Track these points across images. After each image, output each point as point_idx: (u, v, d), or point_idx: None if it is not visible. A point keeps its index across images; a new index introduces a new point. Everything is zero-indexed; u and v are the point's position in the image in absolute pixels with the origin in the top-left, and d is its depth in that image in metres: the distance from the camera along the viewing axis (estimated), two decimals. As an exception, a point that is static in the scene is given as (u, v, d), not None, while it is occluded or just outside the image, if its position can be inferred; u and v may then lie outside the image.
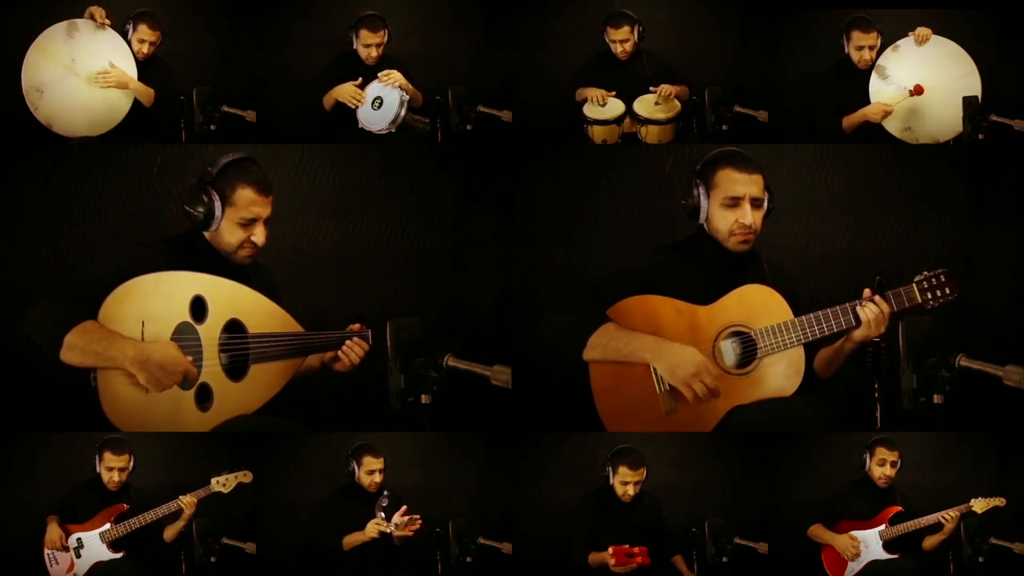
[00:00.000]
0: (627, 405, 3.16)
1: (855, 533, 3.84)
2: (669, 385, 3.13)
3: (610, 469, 3.87)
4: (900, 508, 3.84)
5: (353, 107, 4.12)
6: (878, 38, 4.11)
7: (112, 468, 3.77)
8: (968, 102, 3.91)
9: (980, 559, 3.78)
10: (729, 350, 3.15)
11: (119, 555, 3.73)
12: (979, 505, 3.77)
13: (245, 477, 3.77)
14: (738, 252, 3.21)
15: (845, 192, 4.15)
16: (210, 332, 3.04)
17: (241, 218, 3.08)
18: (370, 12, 4.21)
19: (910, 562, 3.81)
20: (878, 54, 4.11)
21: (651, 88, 4.18)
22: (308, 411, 3.33)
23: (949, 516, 3.78)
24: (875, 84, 4.09)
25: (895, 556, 3.81)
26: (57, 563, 3.73)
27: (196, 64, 4.23)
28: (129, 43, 4.04)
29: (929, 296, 3.09)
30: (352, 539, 3.80)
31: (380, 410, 3.14)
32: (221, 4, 4.30)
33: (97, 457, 3.78)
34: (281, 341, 3.10)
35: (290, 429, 3.27)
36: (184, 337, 3.02)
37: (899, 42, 4.09)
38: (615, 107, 4.18)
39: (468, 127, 4.10)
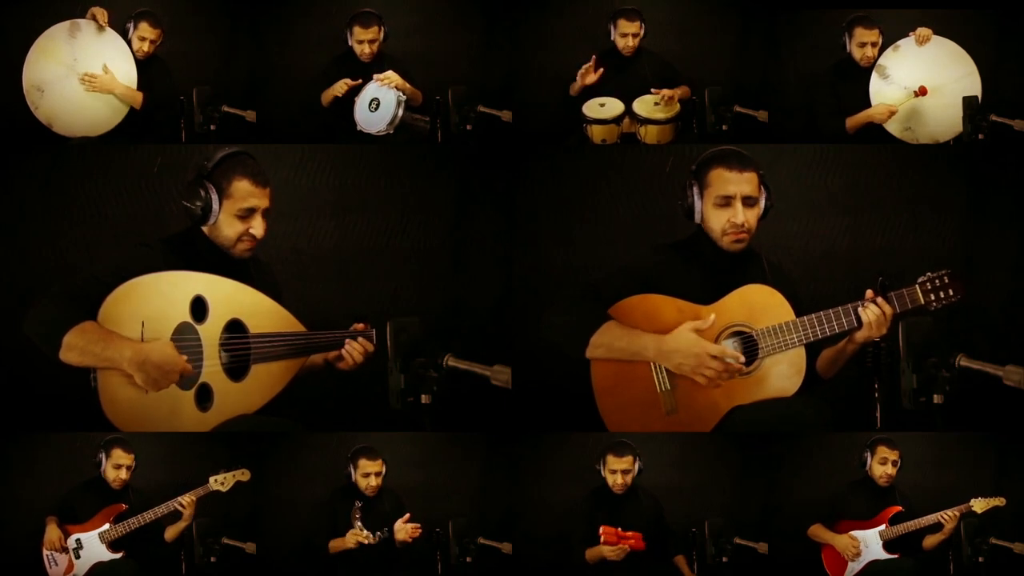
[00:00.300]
0: (628, 405, 3.16)
1: (855, 533, 3.84)
2: (670, 385, 3.13)
3: (600, 463, 3.87)
4: (900, 508, 3.84)
5: (342, 94, 4.12)
6: (880, 35, 4.11)
7: (120, 466, 3.76)
8: (968, 102, 3.91)
9: (980, 559, 3.78)
10: (730, 350, 3.14)
11: (119, 555, 3.72)
12: (979, 505, 3.77)
13: (243, 476, 3.77)
14: (733, 251, 3.21)
15: (845, 192, 4.15)
16: (210, 332, 3.04)
17: (239, 209, 3.08)
18: (364, 9, 4.21)
19: (910, 562, 3.81)
20: (879, 53, 4.11)
21: (652, 90, 4.18)
22: (308, 411, 3.33)
23: (949, 516, 3.78)
24: (875, 84, 4.09)
25: (895, 556, 3.81)
26: (56, 564, 3.73)
27: (196, 64, 4.23)
28: (129, 42, 4.04)
29: (932, 298, 3.09)
30: (335, 544, 3.80)
31: (380, 410, 3.15)
32: (221, 4, 4.30)
33: (104, 455, 3.76)
34: (282, 341, 3.10)
35: (290, 429, 3.27)
36: (184, 337, 3.02)
37: (899, 42, 4.09)
38: (614, 107, 4.18)
39: (468, 127, 4.10)
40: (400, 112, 4.08)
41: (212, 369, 3.04)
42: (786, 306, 3.14)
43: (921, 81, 4.03)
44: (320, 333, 3.17)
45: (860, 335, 3.10)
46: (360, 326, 3.21)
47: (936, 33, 4.05)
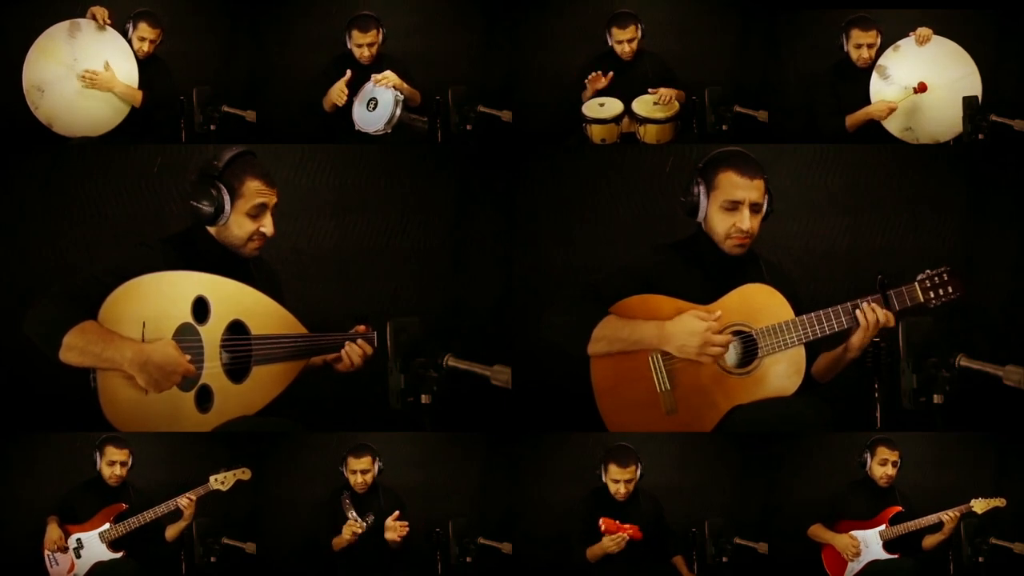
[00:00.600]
0: (628, 405, 3.16)
1: (855, 533, 3.84)
2: (670, 385, 3.13)
3: (602, 468, 3.86)
4: (900, 508, 3.84)
5: (340, 104, 4.12)
6: (877, 36, 4.12)
7: (114, 462, 3.77)
8: (968, 102, 3.91)
9: (980, 559, 3.78)
10: (730, 350, 3.14)
11: (119, 555, 3.73)
12: (979, 505, 3.77)
13: (244, 475, 3.77)
14: (734, 255, 3.21)
15: (845, 192, 4.15)
16: (212, 333, 3.04)
17: (251, 208, 3.08)
18: (363, 12, 4.21)
19: (910, 562, 3.81)
20: (878, 53, 4.11)
21: (650, 90, 4.18)
22: (308, 411, 3.33)
23: (949, 516, 3.78)
24: (876, 84, 4.09)
25: (895, 556, 3.81)
26: (57, 564, 3.73)
27: (196, 64, 4.23)
28: (130, 42, 4.04)
29: (932, 295, 3.10)
30: (339, 541, 3.81)
31: (380, 410, 3.14)
32: (221, 4, 4.30)
33: (98, 453, 3.77)
34: (284, 343, 3.09)
35: (290, 429, 3.27)
36: (185, 338, 3.02)
37: (900, 42, 4.09)
38: (614, 106, 4.18)
39: (468, 127, 4.10)
40: (398, 112, 4.08)
41: (213, 370, 3.04)
42: (785, 306, 3.14)
43: (921, 81, 4.03)
44: (321, 335, 3.16)
45: (856, 337, 3.10)
46: (361, 328, 3.21)
47: (936, 33, 4.05)
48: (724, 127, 4.07)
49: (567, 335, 3.18)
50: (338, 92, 4.12)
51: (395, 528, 3.78)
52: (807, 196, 4.14)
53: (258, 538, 3.96)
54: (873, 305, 3.09)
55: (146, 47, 4.06)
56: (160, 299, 3.01)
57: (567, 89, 4.30)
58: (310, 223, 4.14)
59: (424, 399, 3.06)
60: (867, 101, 4.09)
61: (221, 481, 3.74)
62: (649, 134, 4.16)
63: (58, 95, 3.96)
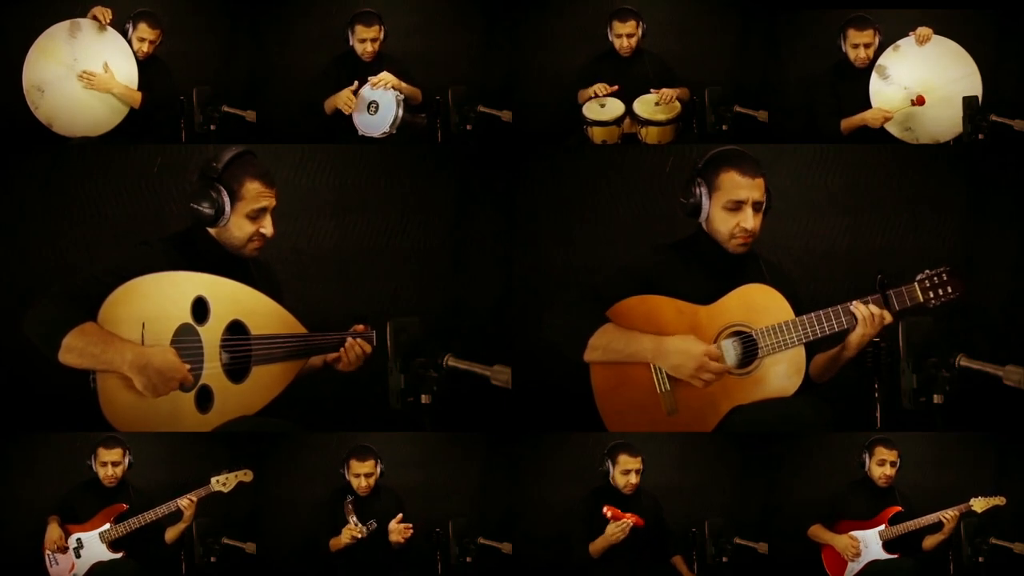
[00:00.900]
0: (628, 405, 3.16)
1: (855, 533, 3.84)
2: (670, 385, 3.13)
3: (609, 463, 3.86)
4: (900, 508, 3.84)
5: (347, 113, 4.12)
6: (875, 36, 4.12)
7: (106, 463, 3.76)
8: (968, 102, 3.91)
9: (980, 559, 3.78)
10: (730, 350, 3.15)
11: (119, 555, 3.73)
12: (979, 505, 3.77)
13: (245, 476, 3.77)
14: (737, 254, 3.21)
15: (845, 192, 4.15)
16: (211, 334, 3.04)
17: (251, 210, 3.08)
18: (365, 9, 4.21)
19: (910, 562, 3.81)
20: (877, 53, 4.11)
21: (652, 90, 4.18)
22: (308, 411, 3.33)
23: (949, 516, 3.78)
24: (875, 84, 4.09)
25: (895, 556, 3.81)
26: (57, 563, 3.73)
27: (196, 64, 4.23)
28: (129, 42, 4.04)
29: (931, 295, 3.09)
30: (337, 542, 3.80)
31: (380, 410, 3.14)
32: (221, 4, 4.30)
33: (92, 457, 3.77)
34: (284, 342, 3.10)
35: (290, 430, 3.27)
36: (185, 339, 3.02)
37: (899, 42, 4.09)
38: (615, 108, 4.18)
39: (468, 127, 4.10)
40: (400, 112, 4.09)
41: (213, 371, 3.04)
42: (785, 306, 3.14)
43: (920, 81, 4.03)
44: (321, 335, 3.16)
45: (855, 335, 3.10)
46: (360, 328, 3.21)
47: (936, 33, 4.05)
48: (724, 127, 4.08)
49: (566, 338, 3.18)
50: (345, 100, 4.11)
51: (399, 531, 3.78)
52: (807, 196, 4.14)
53: (258, 538, 3.96)
54: (868, 302, 3.09)
55: (146, 47, 4.07)
56: (159, 299, 3.00)
57: (567, 89, 4.30)
58: (310, 223, 4.14)
59: (424, 399, 3.06)
60: (867, 101, 4.08)
61: (222, 483, 3.74)
62: (651, 135, 4.16)
63: (58, 95, 3.96)
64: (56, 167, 4.04)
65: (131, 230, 4.00)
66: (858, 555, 3.82)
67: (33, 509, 3.85)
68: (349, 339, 3.17)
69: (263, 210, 3.10)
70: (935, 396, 3.09)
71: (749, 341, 3.14)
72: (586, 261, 4.09)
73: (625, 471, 3.84)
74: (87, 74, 3.96)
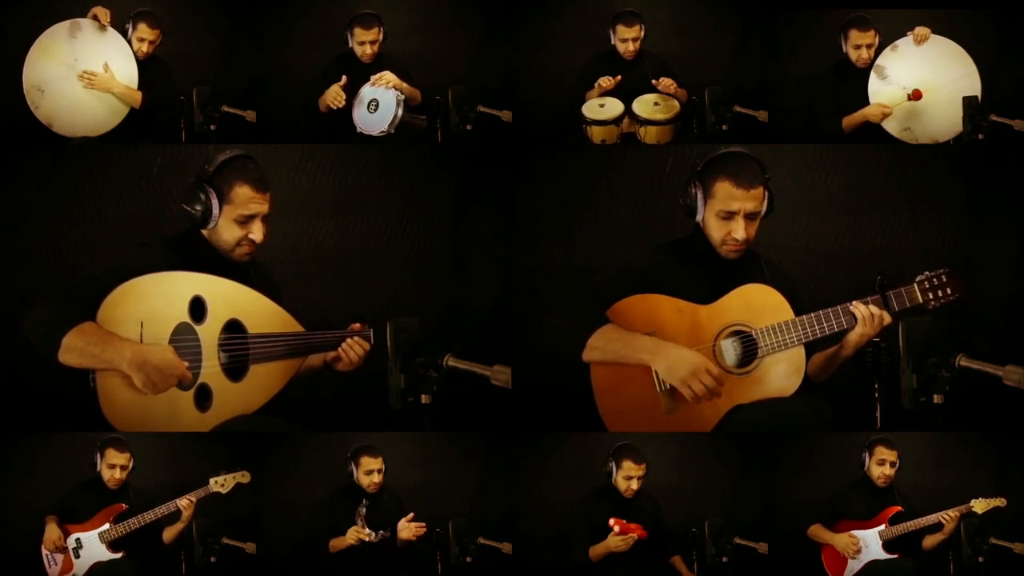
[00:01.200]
0: (628, 405, 3.16)
1: (855, 533, 3.84)
2: (670, 385, 3.13)
3: (613, 465, 3.86)
4: (900, 508, 3.84)
5: (336, 108, 4.12)
6: (876, 37, 4.12)
7: (114, 465, 3.77)
8: (968, 102, 3.91)
9: (980, 559, 3.78)
10: (730, 349, 3.15)
11: (119, 555, 3.72)
12: (979, 505, 3.77)
13: (243, 477, 3.77)
14: (730, 259, 3.21)
15: (845, 192, 4.15)
16: (209, 333, 3.04)
17: (239, 215, 3.08)
18: (365, 11, 4.21)
19: (910, 562, 3.81)
20: (877, 53, 4.11)
21: (652, 81, 4.17)
22: (308, 411, 3.33)
23: (949, 516, 3.78)
24: (874, 84, 4.09)
25: (895, 556, 3.81)
26: (55, 564, 3.73)
27: (196, 64, 4.23)
28: (129, 42, 4.04)
29: (930, 296, 3.09)
30: (337, 543, 3.80)
31: (380, 410, 3.14)
32: (221, 4, 4.30)
33: (99, 455, 3.77)
34: (281, 341, 3.10)
35: (290, 429, 3.27)
36: (183, 338, 3.02)
37: (898, 42, 4.09)
38: (614, 107, 4.18)
39: (468, 127, 4.10)
40: (400, 112, 4.09)
41: (211, 370, 3.04)
42: (785, 306, 3.14)
43: (920, 81, 4.03)
44: (318, 333, 3.17)
45: (854, 334, 3.09)
46: (357, 326, 3.21)
47: (936, 33, 4.05)
48: (724, 127, 4.07)
49: (566, 338, 3.18)
50: (334, 96, 4.12)
51: (410, 529, 3.78)
52: (807, 196, 4.14)
53: (258, 538, 3.96)
54: (868, 302, 3.09)
55: (146, 47, 4.07)
56: (157, 299, 3.01)
57: (567, 89, 4.30)
58: (310, 223, 4.14)
59: (424, 399, 3.06)
60: (866, 101, 4.09)
61: (221, 483, 3.74)
62: (649, 135, 4.16)
63: (58, 95, 3.96)
64: (56, 167, 4.04)
65: (131, 230, 4.00)
66: (858, 554, 3.81)
67: (33, 509, 3.85)
68: (348, 339, 3.17)
69: (252, 216, 3.09)
70: (935, 396, 3.09)
71: (749, 341, 3.14)
72: (586, 261, 4.09)
73: (628, 476, 3.85)
74: (88, 74, 3.97)
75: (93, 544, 3.72)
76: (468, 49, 4.36)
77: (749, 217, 3.16)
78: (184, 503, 3.72)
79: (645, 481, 3.89)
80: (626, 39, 4.25)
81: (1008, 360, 3.07)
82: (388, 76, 4.12)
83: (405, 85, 4.14)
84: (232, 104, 4.09)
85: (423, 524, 3.79)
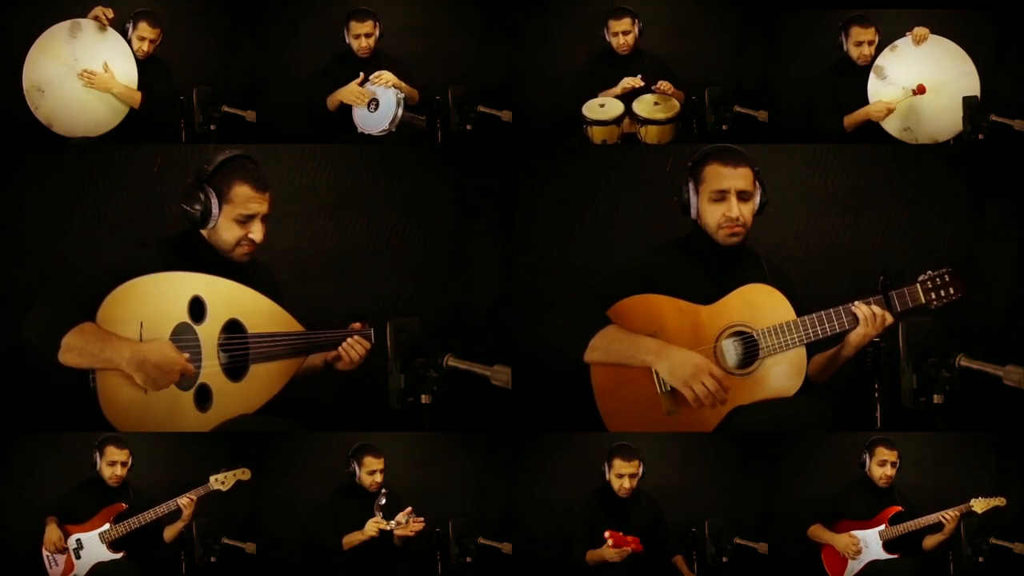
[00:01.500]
0: (628, 405, 3.16)
1: (855, 533, 3.84)
2: (670, 386, 3.13)
3: (606, 466, 3.87)
4: (900, 508, 3.84)
5: (357, 106, 4.13)
6: (876, 34, 4.11)
7: (115, 462, 3.77)
8: (968, 102, 3.91)
9: (980, 559, 3.78)
10: (731, 350, 3.14)
11: (119, 555, 3.72)
12: (979, 505, 3.77)
13: (244, 475, 3.77)
14: (729, 245, 3.21)
15: (845, 192, 4.15)
16: (209, 333, 3.04)
17: (238, 215, 3.08)
18: (359, 7, 4.22)
19: (910, 562, 3.81)
20: (877, 53, 4.11)
21: (652, 88, 4.18)
22: (308, 411, 3.33)
23: (949, 516, 3.78)
24: (873, 84, 4.09)
25: (895, 556, 3.81)
26: (56, 564, 3.73)
27: (196, 64, 4.23)
28: (129, 42, 4.04)
29: (933, 296, 3.09)
30: (351, 539, 3.81)
31: (380, 410, 3.15)
32: (221, 4, 4.30)
33: (98, 453, 3.77)
34: (281, 341, 3.10)
35: (290, 429, 3.27)
36: (182, 338, 3.02)
37: (897, 42, 4.09)
38: (614, 107, 4.18)
39: (468, 127, 4.10)
40: (400, 111, 4.09)
41: (211, 370, 3.04)
42: (787, 306, 3.14)
43: (919, 81, 4.03)
44: (318, 332, 3.17)
45: (855, 334, 3.10)
46: (357, 325, 3.21)
47: (935, 32, 4.05)
48: (724, 127, 4.08)
49: (567, 337, 3.18)
50: (356, 94, 4.12)
51: (409, 524, 3.78)
52: (807, 196, 4.14)
53: (258, 538, 3.96)
54: (870, 302, 3.09)
55: (146, 47, 4.06)
56: (157, 299, 3.01)
57: (567, 89, 4.30)
58: (310, 223, 4.14)
59: (424, 399, 3.07)
60: (866, 101, 4.09)
61: (221, 481, 3.74)
62: (650, 135, 4.16)
63: (58, 95, 3.96)
64: (56, 167, 4.04)
65: (131, 230, 4.00)
66: (858, 554, 3.81)
67: (33, 509, 3.85)
68: (348, 339, 3.17)
69: (252, 216, 3.09)
70: (935, 396, 3.09)
71: (750, 341, 3.14)
72: (586, 261, 4.09)
73: (619, 475, 3.85)
74: (88, 73, 3.96)
75: (93, 544, 3.72)
76: (468, 49, 4.36)
77: (741, 196, 3.18)
78: (184, 502, 3.72)
79: (645, 481, 3.89)
80: (617, 32, 4.25)
81: (1008, 360, 3.07)
82: (387, 75, 4.13)
83: (404, 84, 4.15)
84: (232, 104, 4.09)
85: (421, 519, 3.78)
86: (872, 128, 4.10)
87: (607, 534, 3.74)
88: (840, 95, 4.16)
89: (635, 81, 4.19)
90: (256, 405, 3.08)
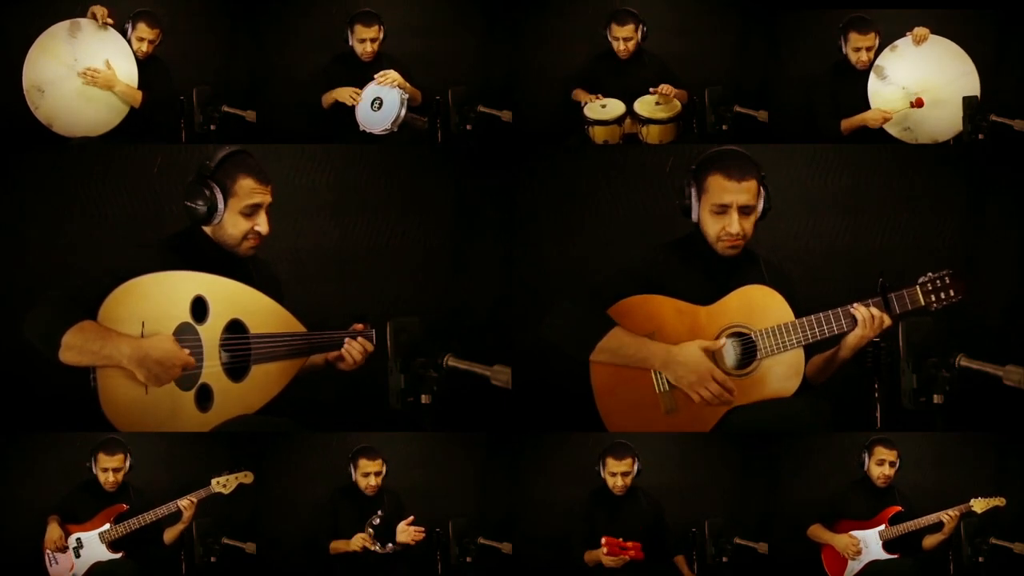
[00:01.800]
0: (628, 405, 3.16)
1: (855, 533, 3.84)
2: (668, 385, 3.13)
3: (600, 464, 3.88)
4: (900, 508, 3.84)
5: (351, 104, 4.13)
6: (875, 39, 4.11)
7: (107, 469, 3.77)
8: (968, 102, 3.91)
9: (980, 559, 3.78)
10: (729, 351, 3.15)
11: (119, 555, 3.72)
12: (979, 505, 3.77)
13: (246, 478, 3.77)
14: (727, 256, 3.21)
15: (845, 192, 4.15)
16: (211, 333, 3.04)
17: (244, 207, 3.08)
18: (365, 9, 4.22)
19: (910, 562, 3.81)
20: (876, 54, 4.11)
21: (651, 90, 4.18)
22: (308, 411, 3.33)
23: (949, 516, 3.78)
24: (873, 85, 4.09)
25: (895, 556, 3.81)
26: (57, 563, 3.73)
27: (196, 64, 4.23)
28: (129, 42, 4.04)
29: (933, 298, 3.09)
30: (337, 546, 3.80)
31: (380, 410, 3.14)
32: (221, 4, 4.30)
33: (92, 461, 3.77)
34: (283, 341, 3.10)
35: (290, 429, 3.27)
36: (184, 338, 3.02)
37: (897, 42, 4.08)
38: (616, 107, 4.18)
39: (468, 127, 4.10)
40: (403, 111, 4.09)
41: (212, 369, 3.04)
42: (785, 307, 3.14)
43: (919, 81, 4.03)
44: (320, 333, 3.16)
45: (852, 336, 3.10)
46: (359, 326, 3.21)
47: (935, 32, 4.05)
48: (724, 127, 4.08)
49: (568, 337, 3.18)
50: (349, 94, 4.12)
51: (409, 533, 3.77)
52: (807, 196, 4.14)
53: (258, 538, 3.96)
54: (869, 304, 3.09)
55: (145, 47, 4.06)
56: (159, 299, 3.01)
57: (567, 89, 4.30)
58: (310, 223, 4.14)
59: (424, 399, 3.06)
60: (865, 102, 4.08)
61: (223, 484, 3.74)
62: (652, 135, 4.16)
63: (58, 95, 3.96)
64: (56, 167, 4.04)
65: (131, 230, 4.00)
66: (858, 554, 3.81)
67: (33, 509, 3.85)
68: (351, 341, 3.17)
69: (257, 206, 3.10)
70: (935, 396, 3.09)
71: (748, 342, 3.14)
72: (586, 261, 4.09)
73: (612, 473, 3.85)
74: (90, 71, 3.96)
75: (93, 544, 3.72)
76: (468, 49, 4.36)
77: (743, 211, 3.16)
78: (185, 503, 3.72)
79: (645, 481, 3.89)
80: (618, 38, 4.25)
81: (1008, 360, 3.07)
82: (392, 75, 4.12)
83: (408, 85, 4.15)
84: (232, 104, 4.09)
85: (422, 529, 3.78)
86: (869, 128, 4.09)
87: (603, 540, 3.74)
88: (839, 96, 4.16)
89: (668, 88, 4.17)
90: (257, 405, 3.08)
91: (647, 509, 3.89)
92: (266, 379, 3.08)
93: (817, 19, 4.25)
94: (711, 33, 4.37)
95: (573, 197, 4.16)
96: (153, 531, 3.76)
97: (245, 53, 4.29)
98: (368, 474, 3.86)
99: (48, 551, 3.73)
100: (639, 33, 4.25)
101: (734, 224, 3.16)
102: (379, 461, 3.87)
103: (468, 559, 3.86)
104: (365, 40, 4.19)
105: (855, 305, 3.10)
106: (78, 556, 3.71)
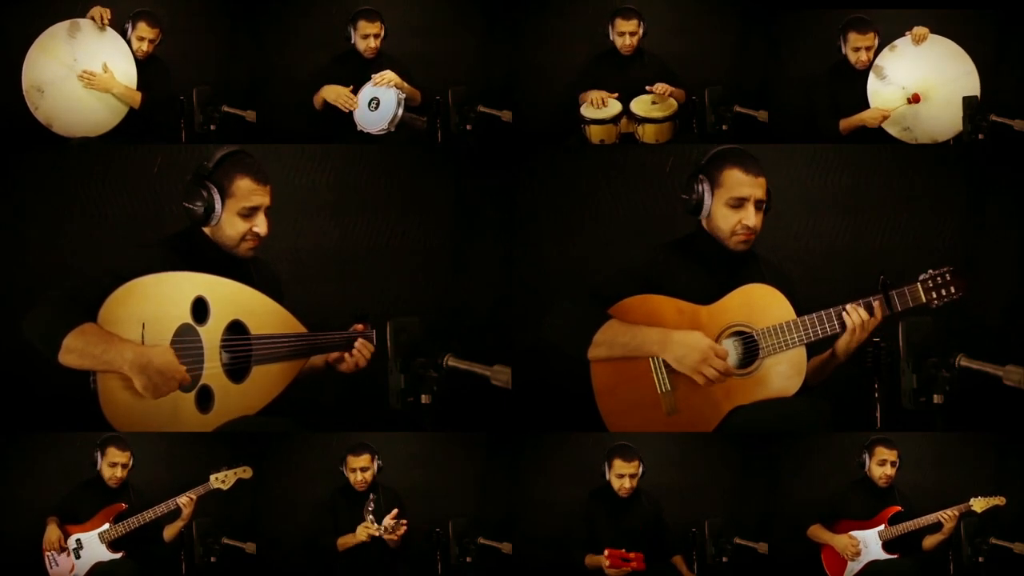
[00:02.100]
0: (628, 405, 3.16)
1: (854, 533, 3.84)
2: (670, 385, 3.13)
3: (606, 466, 3.87)
4: (900, 508, 3.84)
5: (346, 111, 4.13)
6: (875, 39, 4.11)
7: (115, 464, 3.76)
8: (968, 102, 3.91)
9: (980, 559, 3.78)
10: (731, 350, 3.15)
11: (119, 555, 3.72)
12: (979, 505, 3.77)
13: (245, 473, 3.77)
14: (738, 251, 3.21)
15: (845, 192, 4.15)
16: (212, 334, 3.04)
17: (242, 208, 3.08)
18: (365, 7, 4.22)
19: (910, 562, 3.81)
20: (876, 54, 4.11)
21: (647, 88, 4.18)
22: (308, 411, 3.33)
23: (949, 515, 3.78)
24: (873, 84, 4.09)
25: (895, 556, 3.81)
26: (57, 564, 3.72)
27: (196, 64, 4.23)
28: (128, 42, 4.04)
29: (934, 295, 3.10)
30: (345, 541, 3.81)
31: (380, 410, 3.14)
32: (221, 4, 4.30)
33: (99, 453, 3.77)
34: (283, 342, 3.09)
35: (290, 429, 3.26)
36: (185, 339, 3.02)
37: (896, 42, 4.09)
38: (612, 106, 4.18)
39: (468, 127, 4.10)
40: (400, 111, 4.09)
41: (213, 371, 3.03)
42: (787, 306, 3.15)
43: (919, 81, 4.03)
44: (321, 334, 3.16)
45: (842, 341, 3.11)
46: (360, 326, 3.21)
47: (935, 32, 4.05)
48: (724, 127, 4.08)
49: (567, 338, 3.18)
50: (344, 99, 4.12)
51: (393, 527, 3.77)
52: (807, 196, 4.14)
53: (258, 538, 3.96)
54: (857, 307, 3.09)
55: (145, 47, 4.06)
56: (159, 300, 3.00)
57: (567, 89, 4.30)
58: (310, 223, 4.14)
59: (424, 399, 3.07)
60: (865, 102, 4.08)
61: (222, 480, 3.74)
62: (648, 134, 4.16)
63: (58, 95, 3.96)
64: (56, 167, 4.04)
65: (131, 230, 4.00)
66: (858, 555, 3.81)
67: (33, 509, 3.85)
68: (363, 342, 3.16)
69: (255, 208, 3.10)
70: (935, 396, 3.09)
71: (750, 341, 3.14)
72: (586, 261, 4.09)
73: (620, 475, 3.85)
74: (87, 73, 3.96)
75: (93, 544, 3.72)
76: (468, 49, 4.36)
77: (758, 205, 3.18)
78: (184, 501, 3.71)
79: (645, 481, 3.89)
80: (623, 32, 4.25)
81: (1008, 360, 3.07)
82: (390, 75, 4.12)
83: (406, 85, 4.15)
84: (232, 104, 4.09)
85: (405, 521, 3.76)
86: (868, 128, 4.09)
87: (606, 552, 3.74)
88: (839, 96, 4.16)
89: (597, 96, 4.17)
90: (258, 406, 3.08)
91: (648, 509, 3.90)
92: (267, 380, 3.08)
93: (817, 19, 4.25)
94: (711, 33, 4.37)
95: (573, 197, 4.16)
96: (153, 530, 3.76)
97: (245, 53, 4.29)
98: (355, 470, 3.84)
99: (48, 552, 3.73)
100: (641, 29, 4.25)
101: (751, 217, 3.17)
102: (367, 456, 3.85)
103: (468, 559, 3.86)
104: (369, 36, 4.19)
105: (849, 307, 3.10)
106: (78, 557, 3.71)
